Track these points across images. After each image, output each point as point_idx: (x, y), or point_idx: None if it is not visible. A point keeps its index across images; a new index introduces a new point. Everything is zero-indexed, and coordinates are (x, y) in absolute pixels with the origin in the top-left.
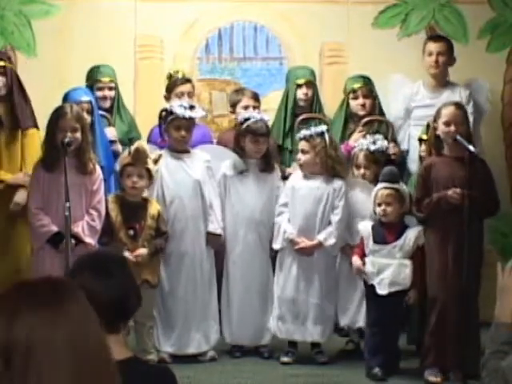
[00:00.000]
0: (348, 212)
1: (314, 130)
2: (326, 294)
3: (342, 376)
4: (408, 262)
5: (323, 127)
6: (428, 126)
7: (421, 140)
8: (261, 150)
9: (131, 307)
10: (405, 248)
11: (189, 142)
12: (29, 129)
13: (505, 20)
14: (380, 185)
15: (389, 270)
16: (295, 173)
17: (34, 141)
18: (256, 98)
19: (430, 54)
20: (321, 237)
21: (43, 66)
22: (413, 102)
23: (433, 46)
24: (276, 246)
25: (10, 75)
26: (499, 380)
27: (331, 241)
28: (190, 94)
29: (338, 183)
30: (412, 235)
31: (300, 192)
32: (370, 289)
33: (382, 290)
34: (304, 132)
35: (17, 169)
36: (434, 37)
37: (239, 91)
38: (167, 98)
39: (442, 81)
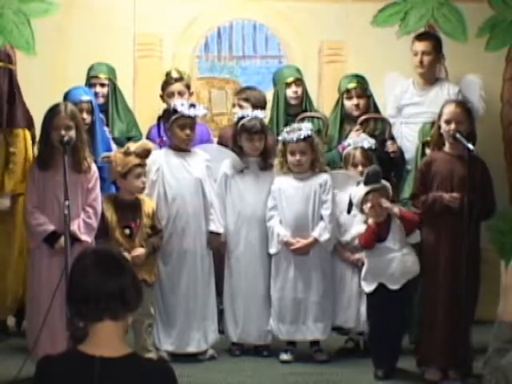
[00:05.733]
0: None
1: (309, 128)
2: (324, 291)
3: (341, 374)
4: (409, 250)
5: (310, 125)
6: (432, 126)
7: (424, 144)
8: (257, 148)
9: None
10: (396, 237)
11: (193, 141)
12: (15, 129)
13: (504, 18)
14: (366, 187)
15: (393, 263)
16: (281, 174)
17: (20, 141)
18: (247, 99)
19: (416, 54)
20: (315, 233)
21: (42, 65)
22: (402, 100)
23: (417, 46)
24: (272, 250)
25: None
26: (500, 378)
27: (326, 236)
28: (181, 93)
29: (322, 178)
30: (395, 223)
31: (287, 193)
32: (377, 288)
33: (393, 285)
34: (301, 132)
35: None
36: (418, 36)
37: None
38: (162, 96)
39: (429, 79)
